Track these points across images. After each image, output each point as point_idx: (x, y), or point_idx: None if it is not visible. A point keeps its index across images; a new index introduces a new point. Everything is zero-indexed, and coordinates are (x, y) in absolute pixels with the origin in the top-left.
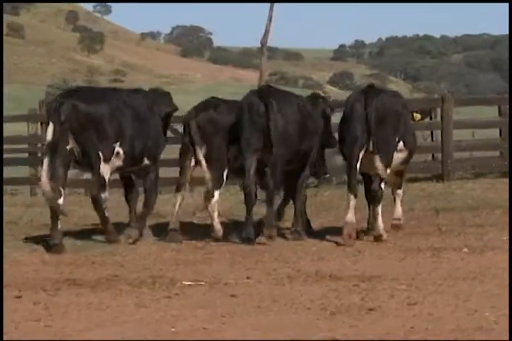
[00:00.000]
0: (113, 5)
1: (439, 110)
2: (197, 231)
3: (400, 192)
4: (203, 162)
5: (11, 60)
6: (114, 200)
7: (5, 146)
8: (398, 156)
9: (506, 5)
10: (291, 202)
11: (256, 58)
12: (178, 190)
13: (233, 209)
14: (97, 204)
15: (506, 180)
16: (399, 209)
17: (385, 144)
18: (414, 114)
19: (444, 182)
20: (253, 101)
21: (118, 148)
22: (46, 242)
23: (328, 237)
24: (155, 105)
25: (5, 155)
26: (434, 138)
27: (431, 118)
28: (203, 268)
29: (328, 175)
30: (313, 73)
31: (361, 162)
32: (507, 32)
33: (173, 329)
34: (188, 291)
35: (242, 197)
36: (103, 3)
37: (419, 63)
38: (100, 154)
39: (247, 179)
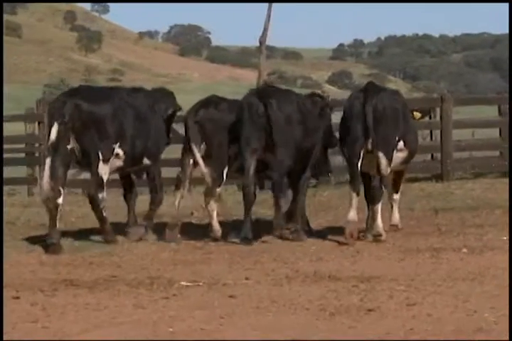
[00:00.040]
0: (111, 4)
1: (438, 110)
2: (195, 231)
3: (396, 197)
4: (200, 160)
5: (11, 59)
6: (112, 200)
7: (3, 146)
8: (398, 156)
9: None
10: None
11: (254, 57)
12: (177, 188)
13: (231, 209)
14: (95, 204)
15: (506, 180)
16: (396, 216)
17: (384, 143)
18: (414, 113)
19: (443, 182)
20: (252, 102)
21: (118, 148)
22: (44, 242)
23: (327, 237)
24: (156, 104)
25: (3, 155)
26: (434, 138)
27: (430, 118)
28: (202, 269)
29: (331, 173)
30: (312, 72)
31: (361, 161)
32: (507, 31)
33: (171, 330)
34: (186, 292)
35: (240, 197)
36: (101, 4)
37: (419, 62)
38: (100, 154)
39: (246, 179)
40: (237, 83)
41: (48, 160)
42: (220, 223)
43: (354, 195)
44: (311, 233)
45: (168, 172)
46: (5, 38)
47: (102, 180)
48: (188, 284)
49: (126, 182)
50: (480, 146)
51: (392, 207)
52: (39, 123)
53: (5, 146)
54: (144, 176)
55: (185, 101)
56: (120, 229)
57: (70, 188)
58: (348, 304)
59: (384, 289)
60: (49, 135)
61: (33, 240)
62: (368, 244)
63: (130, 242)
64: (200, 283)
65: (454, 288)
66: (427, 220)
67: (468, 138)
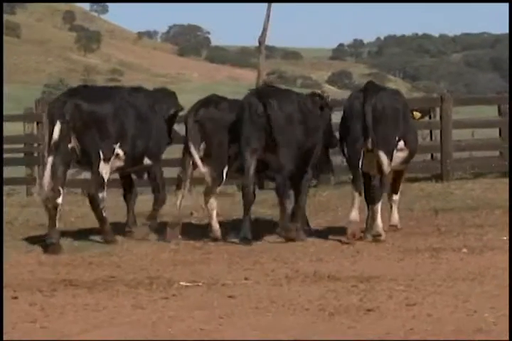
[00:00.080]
0: (110, 4)
1: (438, 109)
2: (195, 231)
3: (396, 198)
4: (197, 160)
5: (10, 59)
6: (112, 200)
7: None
8: (398, 155)
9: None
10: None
11: (254, 57)
12: (178, 188)
13: (230, 209)
14: (95, 203)
15: (506, 180)
16: (395, 216)
17: (384, 142)
18: (414, 113)
19: (443, 182)
20: (252, 102)
21: (118, 148)
22: (43, 242)
23: (326, 237)
24: (158, 104)
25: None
26: (433, 138)
27: (430, 118)
28: (201, 269)
29: (333, 172)
30: (311, 72)
31: (362, 161)
32: (507, 31)
33: (170, 331)
34: (185, 292)
35: (237, 197)
36: (100, 4)
37: (418, 62)
38: (101, 153)
39: (246, 179)
40: (236, 83)
41: (50, 159)
42: (220, 223)
43: (356, 194)
44: (310, 233)
45: (168, 173)
46: (4, 37)
47: (103, 179)
48: (188, 284)
49: (126, 183)
50: (480, 146)
51: (391, 207)
52: (38, 123)
53: (4, 146)
54: (145, 176)
55: (185, 101)
56: (119, 229)
57: (69, 188)
58: (347, 304)
59: (383, 289)
60: (51, 134)
61: (31, 240)
62: (368, 244)
63: (129, 242)
64: (200, 284)
65: (453, 288)
66: (427, 220)
67: (468, 138)
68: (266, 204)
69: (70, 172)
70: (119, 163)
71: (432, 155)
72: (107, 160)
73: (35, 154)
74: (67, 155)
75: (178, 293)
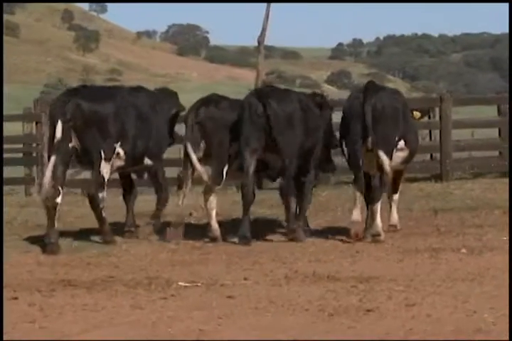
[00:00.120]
0: (109, 3)
1: (437, 109)
2: (194, 231)
3: (395, 197)
4: (194, 159)
5: (9, 60)
6: (111, 200)
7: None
8: (399, 155)
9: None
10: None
11: (253, 57)
12: (179, 187)
13: (229, 209)
14: (95, 203)
15: (505, 180)
16: (395, 216)
17: (384, 142)
18: (414, 112)
19: (442, 182)
20: (252, 102)
21: (119, 148)
22: (42, 242)
23: (326, 238)
24: (159, 104)
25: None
26: (433, 138)
27: (429, 118)
28: (200, 269)
29: (335, 171)
30: (311, 72)
31: (362, 161)
32: (507, 31)
33: (169, 331)
34: (184, 292)
35: (237, 197)
36: (99, 3)
37: (418, 62)
38: (102, 153)
39: (245, 178)
40: (235, 83)
41: (53, 159)
42: (219, 223)
43: (358, 194)
44: (310, 233)
45: (168, 172)
46: (3, 37)
47: (103, 179)
48: (186, 285)
49: (126, 183)
50: (479, 146)
51: (391, 207)
52: (37, 123)
53: (3, 146)
54: (146, 176)
55: (184, 101)
56: (119, 229)
57: (68, 188)
58: (347, 304)
59: (383, 289)
60: (53, 134)
61: (30, 240)
62: (367, 244)
63: (128, 243)
64: (199, 284)
65: (453, 289)
66: (426, 220)
67: (468, 138)
68: (265, 204)
69: (69, 172)
70: (120, 163)
71: (431, 155)
72: (107, 159)
73: (34, 154)
74: (68, 154)
75: (177, 294)
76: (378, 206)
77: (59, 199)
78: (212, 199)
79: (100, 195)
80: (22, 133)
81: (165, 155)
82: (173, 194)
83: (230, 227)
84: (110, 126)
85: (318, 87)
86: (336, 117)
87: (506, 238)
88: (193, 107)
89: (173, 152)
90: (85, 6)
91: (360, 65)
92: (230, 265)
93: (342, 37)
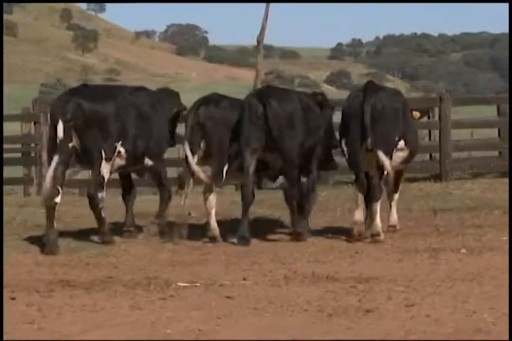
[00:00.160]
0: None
1: (437, 109)
2: (193, 231)
3: (395, 197)
4: (190, 158)
5: (8, 59)
6: (110, 200)
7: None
8: (399, 155)
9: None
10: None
11: (252, 57)
12: (181, 187)
13: (228, 209)
14: (94, 203)
15: (505, 180)
16: (394, 216)
17: (383, 142)
18: (414, 112)
19: (442, 183)
20: (252, 102)
21: (120, 148)
22: (40, 242)
23: (325, 238)
24: (160, 104)
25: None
26: (432, 138)
27: (429, 118)
28: (199, 270)
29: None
30: (309, 72)
31: (362, 161)
32: (506, 30)
33: (168, 331)
34: (183, 293)
35: (236, 197)
36: (98, 3)
37: (417, 62)
38: (102, 152)
39: (245, 178)
40: (234, 83)
41: (56, 158)
42: (218, 222)
43: (360, 195)
44: (309, 233)
45: (168, 173)
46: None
47: (103, 179)
48: (185, 285)
49: (126, 183)
50: (479, 146)
51: (390, 207)
52: (35, 123)
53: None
54: (147, 176)
55: (184, 101)
56: (118, 229)
57: (66, 188)
58: (346, 305)
59: (382, 290)
60: (54, 134)
61: (29, 240)
62: (367, 244)
63: (127, 243)
64: (198, 284)
65: (452, 289)
66: (426, 221)
67: (467, 138)
68: (264, 205)
69: (67, 172)
70: (122, 162)
71: (430, 155)
72: (108, 159)
73: (33, 154)
74: (68, 154)
75: (176, 294)
76: (378, 206)
77: (58, 199)
78: (212, 199)
79: (99, 194)
80: (20, 133)
81: (165, 155)
82: (174, 194)
83: (229, 227)
84: (111, 126)
85: (317, 86)
86: (336, 117)
87: (506, 238)
88: (193, 107)
89: (172, 152)
90: (84, 5)
91: (359, 64)
92: (229, 265)
93: (341, 37)
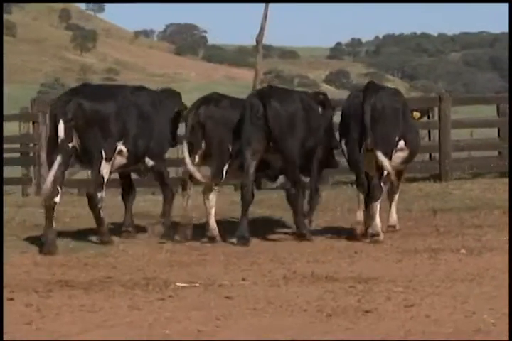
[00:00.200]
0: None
1: (436, 109)
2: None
3: (395, 197)
4: (187, 157)
5: (8, 59)
6: (110, 200)
7: None
8: (398, 155)
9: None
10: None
11: (251, 57)
12: (183, 188)
13: (227, 209)
14: (93, 203)
15: (505, 180)
16: (394, 216)
17: (383, 142)
18: (414, 113)
19: (441, 183)
20: (253, 102)
21: (121, 147)
22: (39, 242)
23: (324, 238)
24: (161, 104)
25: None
26: (432, 138)
27: (428, 118)
28: (198, 270)
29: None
30: (309, 72)
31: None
32: (506, 30)
33: (166, 332)
34: (182, 293)
35: (236, 197)
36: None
37: (417, 61)
38: (103, 152)
39: (245, 178)
40: (233, 82)
41: (59, 158)
42: (217, 222)
43: (361, 195)
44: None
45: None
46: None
47: (103, 178)
48: (184, 285)
49: (125, 183)
50: (478, 146)
51: (390, 207)
52: (33, 122)
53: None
54: (148, 176)
55: (183, 101)
56: (116, 229)
57: (65, 188)
58: (345, 305)
59: (382, 290)
60: (55, 134)
61: (27, 240)
62: (366, 244)
63: (126, 243)
64: (196, 284)
65: (452, 289)
66: (425, 221)
67: (467, 138)
68: (264, 205)
69: (66, 171)
70: (123, 161)
71: (430, 155)
72: (108, 159)
73: (31, 154)
74: (68, 154)
75: (175, 294)
76: (378, 206)
77: (57, 199)
78: (212, 198)
79: (99, 194)
80: (19, 133)
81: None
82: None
83: (228, 227)
84: (112, 126)
85: (316, 86)
86: (337, 118)
87: (506, 238)
88: (193, 106)
89: (172, 152)
90: (83, 5)
91: (358, 64)
92: (228, 265)
93: (340, 36)
